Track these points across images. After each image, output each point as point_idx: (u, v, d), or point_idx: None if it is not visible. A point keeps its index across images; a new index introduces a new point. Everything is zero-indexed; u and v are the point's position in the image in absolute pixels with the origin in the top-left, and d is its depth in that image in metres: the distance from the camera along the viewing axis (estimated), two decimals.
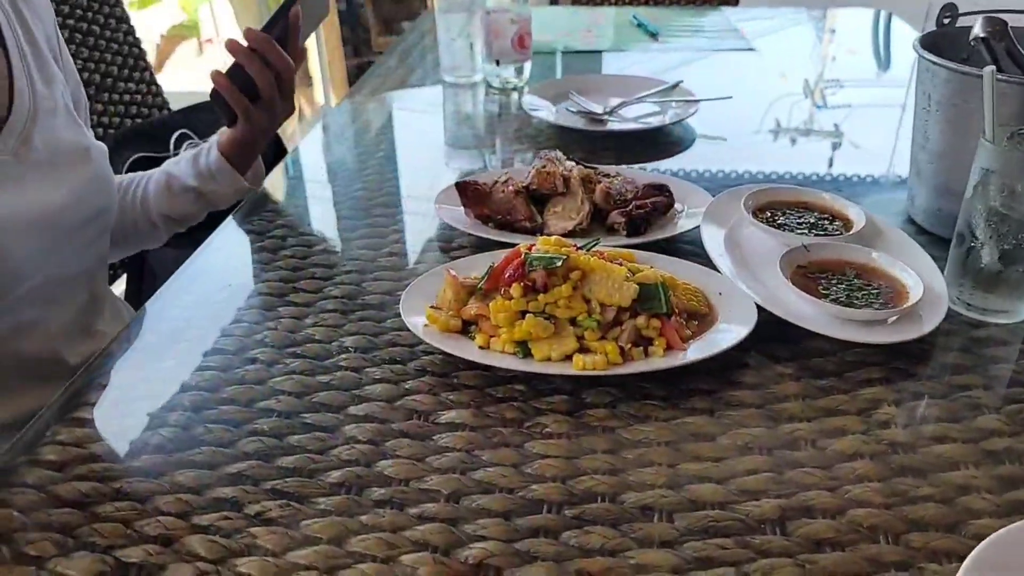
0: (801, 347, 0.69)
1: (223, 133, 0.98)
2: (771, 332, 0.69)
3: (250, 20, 3.68)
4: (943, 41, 0.84)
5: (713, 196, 0.87)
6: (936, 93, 0.79)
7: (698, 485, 0.56)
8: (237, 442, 0.60)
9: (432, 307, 0.69)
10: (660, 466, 0.57)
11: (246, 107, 0.93)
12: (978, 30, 0.74)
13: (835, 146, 1.17)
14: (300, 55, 0.97)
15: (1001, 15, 0.76)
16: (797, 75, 1.48)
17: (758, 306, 0.69)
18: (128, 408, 0.64)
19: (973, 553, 0.46)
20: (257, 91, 0.92)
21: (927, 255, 0.76)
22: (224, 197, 0.99)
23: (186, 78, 3.96)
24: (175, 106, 1.44)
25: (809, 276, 0.73)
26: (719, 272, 0.74)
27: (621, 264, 0.67)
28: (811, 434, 0.60)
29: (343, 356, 0.69)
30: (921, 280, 0.69)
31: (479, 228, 0.86)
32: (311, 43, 3.63)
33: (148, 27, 3.67)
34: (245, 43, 0.91)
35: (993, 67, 0.65)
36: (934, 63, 0.77)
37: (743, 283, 0.73)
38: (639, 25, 1.76)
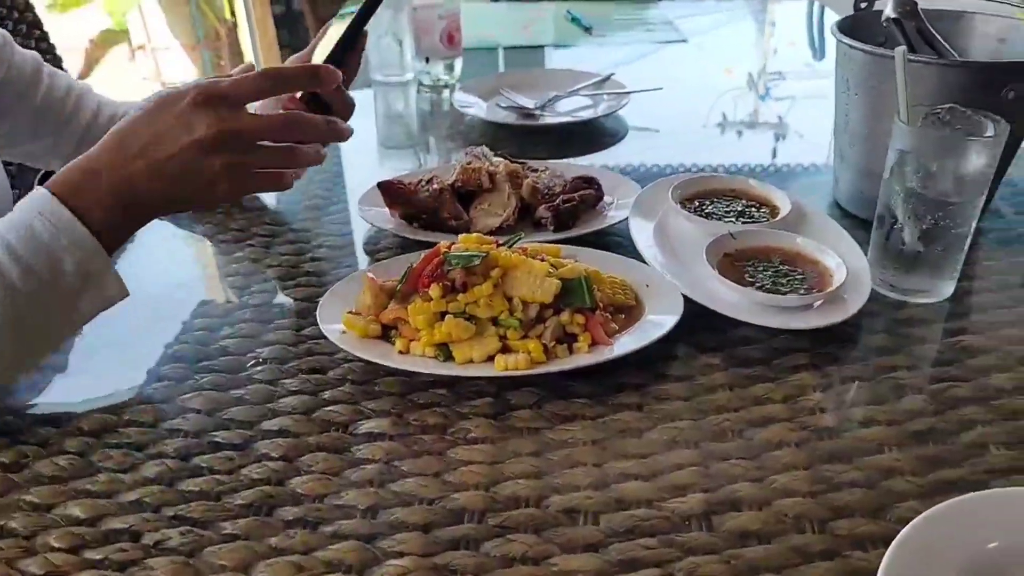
0: (729, 336, 0.68)
1: None
2: (699, 322, 0.68)
3: (182, 26, 3.59)
4: (861, 25, 0.84)
5: (643, 188, 0.86)
6: (854, 76, 0.79)
7: (624, 484, 0.54)
8: (139, 467, 0.56)
9: (350, 312, 0.67)
10: (586, 466, 0.56)
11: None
12: (889, 11, 0.74)
13: (777, 137, 1.17)
14: (358, 69, 0.80)
15: None
16: (735, 66, 1.48)
17: (685, 296, 0.68)
18: (18, 435, 0.60)
19: (897, 538, 0.45)
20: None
21: (851, 238, 0.76)
22: None
23: (117, 85, 3.86)
24: None
25: (736, 264, 0.73)
26: (646, 264, 0.73)
27: (543, 260, 0.65)
28: (738, 424, 0.59)
29: (258, 368, 0.66)
30: (844, 263, 0.69)
31: (405, 229, 0.83)
32: (246, 46, 3.56)
33: (74, 32, 3.56)
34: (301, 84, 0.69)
35: (904, 47, 0.64)
36: (851, 47, 0.77)
37: (671, 274, 0.71)
38: (573, 20, 1.75)
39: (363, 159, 1.11)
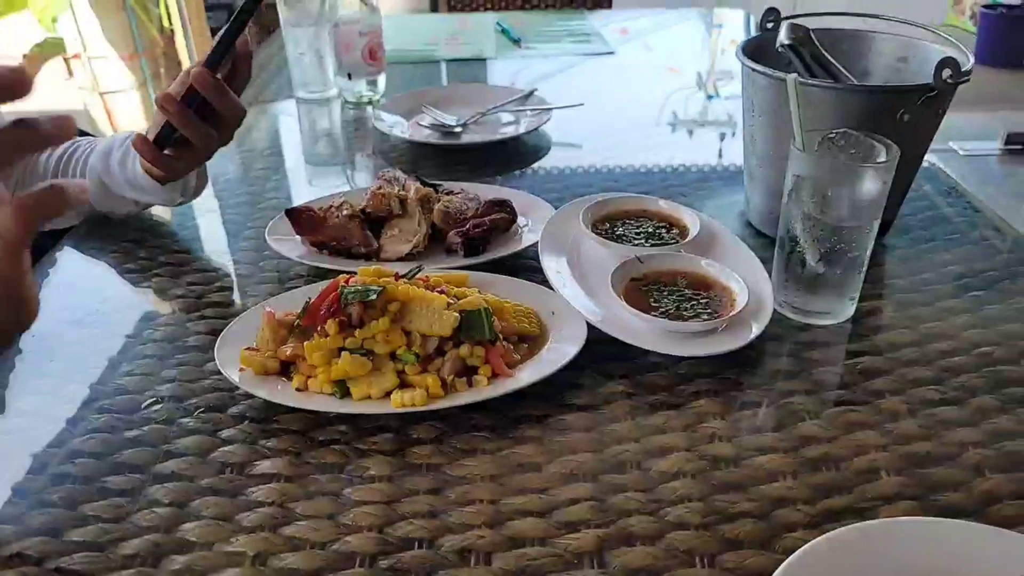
0: (635, 363, 0.68)
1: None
2: (607, 350, 0.68)
3: (117, 32, 3.50)
4: (767, 46, 0.85)
5: (557, 208, 0.86)
6: (758, 98, 0.80)
7: (519, 521, 0.54)
8: (21, 516, 0.54)
9: (248, 348, 0.65)
10: (482, 503, 0.55)
11: (173, 167, 0.81)
12: (783, 37, 0.75)
13: (695, 140, 1.19)
14: (249, 74, 0.80)
15: (814, 19, 0.78)
16: (665, 76, 1.50)
17: (592, 324, 0.68)
18: None
19: (779, 571, 0.45)
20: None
21: (756, 259, 0.77)
22: (162, 203, 0.91)
23: (53, 95, 3.74)
24: None
25: (643, 289, 0.73)
26: (553, 291, 0.73)
27: (443, 291, 0.65)
28: (637, 455, 0.59)
29: (156, 408, 0.65)
30: (747, 287, 0.70)
31: (314, 257, 0.82)
32: (184, 54, 3.49)
33: (10, 41, 3.45)
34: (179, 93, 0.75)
35: (795, 75, 0.65)
36: (754, 70, 0.78)
37: (580, 300, 0.71)
38: (503, 31, 1.75)
39: (289, 177, 1.09)
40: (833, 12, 0.84)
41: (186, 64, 3.49)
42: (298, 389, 0.62)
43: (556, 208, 0.86)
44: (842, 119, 0.72)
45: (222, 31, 0.76)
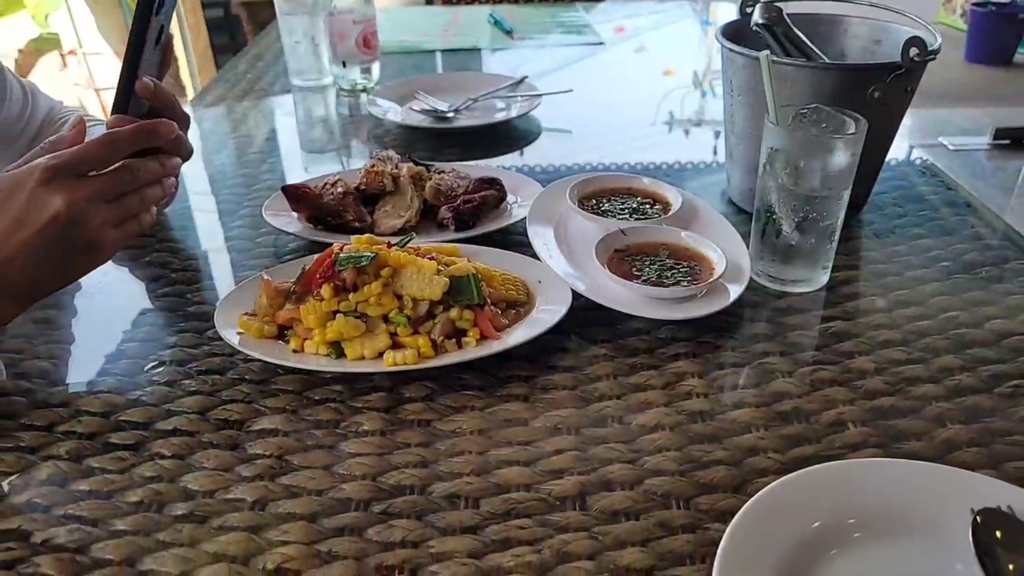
0: (617, 328, 0.71)
1: None
2: (590, 317, 0.71)
3: (112, 27, 3.52)
4: (747, 29, 0.88)
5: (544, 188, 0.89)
6: (736, 79, 0.83)
7: (506, 470, 0.57)
8: (30, 469, 0.57)
9: (247, 314, 0.68)
10: (471, 454, 0.58)
11: None
12: (757, 17, 0.78)
13: (687, 133, 1.22)
14: (169, 101, 0.73)
15: (785, 3, 0.81)
16: (681, 69, 1.53)
17: (576, 292, 0.71)
18: None
19: (743, 508, 0.48)
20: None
21: (735, 231, 0.80)
22: None
23: (48, 91, 3.76)
24: None
25: (625, 259, 0.76)
26: (540, 261, 0.76)
27: (433, 259, 0.68)
28: (618, 411, 0.62)
29: (158, 370, 0.67)
30: (725, 256, 0.73)
31: (309, 232, 0.85)
32: (180, 51, 3.51)
33: (5, 39, 3.46)
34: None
35: (767, 52, 0.68)
36: (732, 51, 0.81)
37: (566, 271, 0.74)
38: (496, 23, 1.78)
39: (286, 162, 1.12)
40: None
41: (181, 59, 3.51)
42: (295, 351, 0.65)
43: (543, 187, 0.90)
44: (815, 96, 0.75)
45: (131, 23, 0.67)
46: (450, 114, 1.21)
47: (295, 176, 1.06)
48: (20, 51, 3.66)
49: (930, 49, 0.74)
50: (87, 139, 0.64)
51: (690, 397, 0.63)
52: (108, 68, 3.51)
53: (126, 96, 0.69)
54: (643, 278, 0.73)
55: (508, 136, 1.19)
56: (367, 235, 0.70)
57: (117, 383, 0.66)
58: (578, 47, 1.64)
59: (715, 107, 1.31)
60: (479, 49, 1.62)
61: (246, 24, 3.93)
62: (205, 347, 0.70)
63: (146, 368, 0.68)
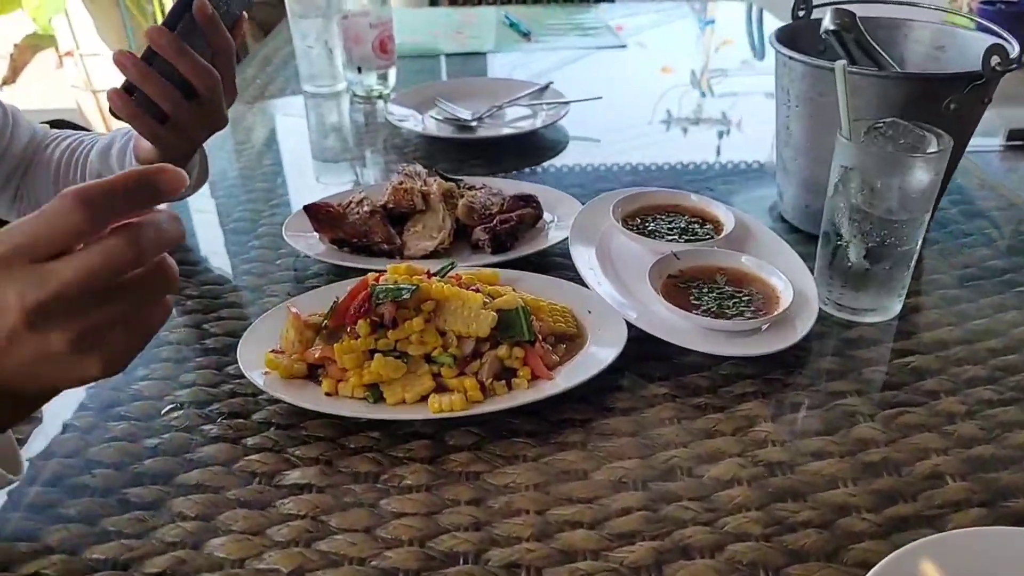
0: (675, 363, 0.65)
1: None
2: (645, 349, 0.65)
3: (110, 30, 3.45)
4: (801, 34, 0.82)
5: (584, 203, 0.83)
6: (795, 88, 0.77)
7: (570, 532, 0.51)
8: (37, 532, 0.51)
9: (273, 351, 0.62)
10: (528, 514, 0.52)
11: (155, 133, 0.72)
12: (828, 23, 0.72)
13: (721, 134, 1.16)
14: (226, 46, 0.72)
15: (849, 6, 0.75)
16: (675, 65, 1.47)
17: (629, 322, 0.65)
18: None
19: None
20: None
21: (796, 255, 0.74)
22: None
23: (45, 92, 3.69)
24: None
25: (681, 286, 0.70)
26: (588, 288, 0.70)
27: (478, 290, 0.62)
28: (687, 460, 0.56)
29: (175, 414, 0.61)
30: (791, 283, 0.67)
31: (333, 255, 0.79)
32: None
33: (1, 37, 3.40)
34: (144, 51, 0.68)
35: (844, 61, 0.62)
36: (791, 57, 0.75)
37: (615, 298, 0.69)
38: (511, 25, 1.72)
39: (298, 173, 1.06)
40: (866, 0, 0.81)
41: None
42: (327, 394, 0.59)
43: (582, 204, 0.84)
44: (883, 107, 0.69)
45: None
46: (473, 123, 1.15)
47: (310, 190, 1.00)
48: (16, 46, 3.59)
49: (1011, 57, 0.68)
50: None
51: (765, 445, 0.57)
52: (106, 70, 3.45)
53: (178, 14, 0.68)
54: (702, 308, 0.67)
55: (534, 145, 1.13)
56: (405, 264, 0.64)
57: (132, 429, 0.60)
58: (595, 50, 1.58)
59: (714, 106, 1.26)
60: (484, 53, 1.56)
61: (246, 23, 3.86)
62: (226, 386, 0.64)
63: (163, 411, 0.62)
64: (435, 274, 0.64)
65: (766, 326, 0.66)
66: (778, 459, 0.56)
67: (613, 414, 0.61)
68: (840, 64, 0.63)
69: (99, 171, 0.83)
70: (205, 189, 1.00)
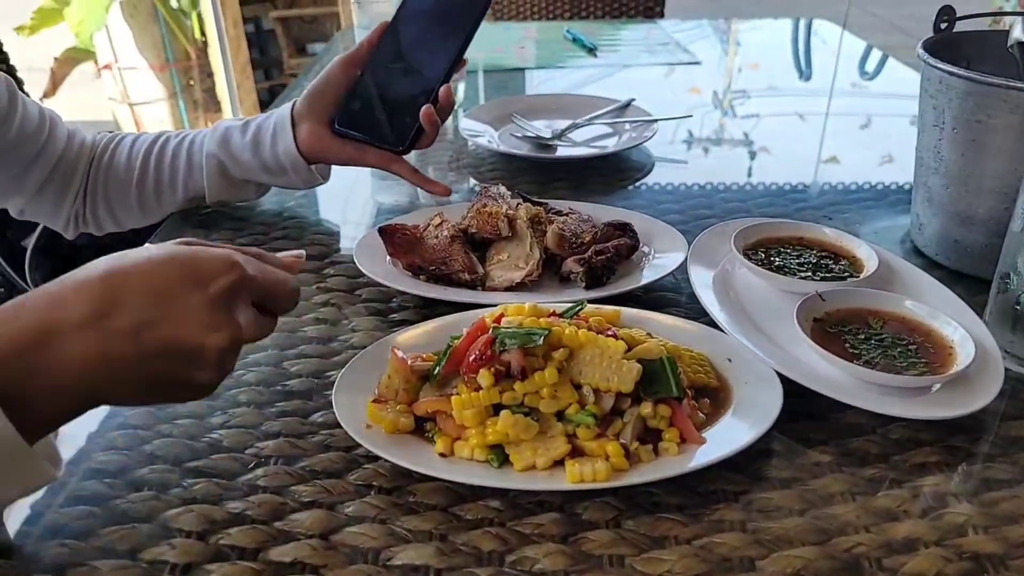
0: (833, 423, 0.56)
1: (302, 123, 0.81)
2: (795, 404, 0.56)
3: (149, 44, 3.43)
4: (942, 48, 0.73)
5: (683, 233, 0.76)
6: (952, 108, 0.68)
7: None
8: None
9: (375, 400, 0.54)
10: None
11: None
12: (1018, 34, 0.63)
13: (820, 157, 1.08)
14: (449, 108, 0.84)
15: (975, 21, 0.66)
16: (704, 87, 1.39)
17: (778, 374, 0.56)
18: None
19: None
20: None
21: (956, 297, 0.65)
22: (292, 186, 0.88)
23: (82, 104, 3.68)
24: None
25: (829, 331, 0.61)
26: (723, 332, 0.61)
27: (615, 335, 0.53)
28: (875, 550, 0.47)
29: (261, 471, 0.53)
30: (969, 334, 0.58)
31: (410, 283, 0.70)
32: (218, 65, 3.41)
33: (40, 53, 3.39)
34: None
35: None
36: (950, 73, 0.67)
37: (753, 344, 0.60)
38: (574, 40, 1.64)
39: (354, 194, 0.98)
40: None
41: (219, 76, 3.41)
42: (442, 454, 0.51)
43: (680, 233, 0.76)
44: None
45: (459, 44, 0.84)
46: (553, 141, 1.06)
47: (367, 206, 0.92)
48: (56, 59, 3.58)
49: None
50: None
51: (965, 532, 0.48)
52: (143, 83, 3.42)
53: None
54: (863, 358, 0.58)
55: (618, 166, 1.04)
56: (528, 304, 0.55)
57: (213, 489, 0.52)
58: (667, 66, 1.49)
59: (736, 126, 1.17)
60: (525, 69, 1.48)
61: (282, 39, 3.83)
62: (314, 437, 0.56)
63: (249, 467, 0.53)
64: (563, 315, 0.55)
65: (938, 385, 0.56)
66: (986, 550, 0.47)
67: (771, 485, 0.52)
68: None
69: (221, 160, 0.83)
70: (269, 209, 0.93)
